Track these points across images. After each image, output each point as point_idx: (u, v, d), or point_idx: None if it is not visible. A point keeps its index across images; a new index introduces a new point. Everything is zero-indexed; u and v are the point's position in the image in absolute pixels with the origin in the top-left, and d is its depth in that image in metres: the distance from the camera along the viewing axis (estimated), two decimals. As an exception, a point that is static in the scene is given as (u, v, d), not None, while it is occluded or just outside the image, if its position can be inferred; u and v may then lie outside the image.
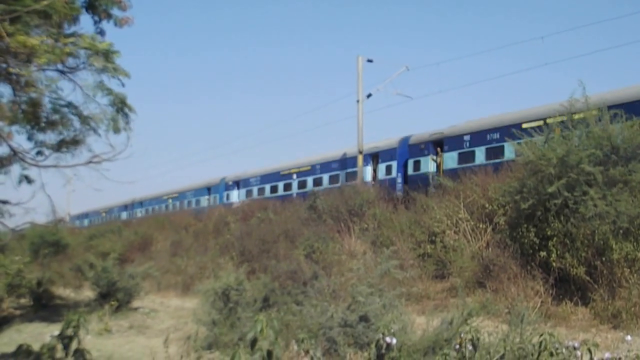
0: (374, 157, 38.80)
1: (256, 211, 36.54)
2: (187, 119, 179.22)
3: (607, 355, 7.02)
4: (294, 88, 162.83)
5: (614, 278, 17.67)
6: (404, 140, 36.96)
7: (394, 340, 7.36)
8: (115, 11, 12.02)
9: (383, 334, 7.36)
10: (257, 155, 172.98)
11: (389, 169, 37.39)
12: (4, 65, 10.31)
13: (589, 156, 18.76)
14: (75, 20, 11.61)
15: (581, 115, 20.44)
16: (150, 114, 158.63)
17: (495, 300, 18.42)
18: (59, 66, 11.66)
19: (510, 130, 24.91)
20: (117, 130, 12.17)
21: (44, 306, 24.83)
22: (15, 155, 12.50)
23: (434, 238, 23.92)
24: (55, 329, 13.49)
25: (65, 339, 6.21)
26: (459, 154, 31.83)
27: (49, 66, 11.09)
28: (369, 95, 39.42)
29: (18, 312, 24.28)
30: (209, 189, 57.12)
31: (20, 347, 6.25)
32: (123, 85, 12.05)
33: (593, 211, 17.93)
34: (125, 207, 75.29)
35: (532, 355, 7.63)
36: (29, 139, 12.68)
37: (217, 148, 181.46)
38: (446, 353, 7.28)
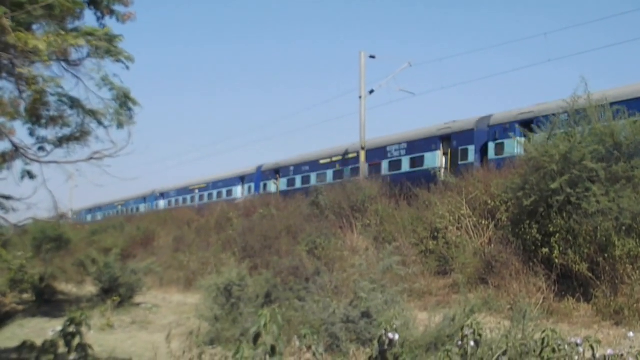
0: (445, 140, 33.81)
1: (259, 207, 36.50)
2: (189, 113, 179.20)
3: (609, 351, 7.00)
4: (297, 84, 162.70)
5: (616, 275, 17.67)
6: (484, 120, 32.65)
7: (397, 336, 7.35)
8: (117, 7, 12.03)
9: (385, 329, 7.35)
10: (260, 151, 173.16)
11: (464, 154, 32.67)
12: (5, 62, 10.32)
13: (591, 152, 18.74)
14: (78, 16, 11.61)
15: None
16: (152, 107, 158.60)
17: (498, 296, 18.43)
18: (63, 64, 11.68)
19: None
20: (121, 124, 12.15)
21: (47, 301, 24.87)
22: (17, 151, 12.52)
23: (436, 234, 23.91)
24: (57, 324, 13.51)
25: (67, 336, 6.21)
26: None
27: (52, 61, 11.08)
28: (372, 92, 39.38)
29: (21, 307, 24.31)
30: (242, 178, 51.92)
31: (24, 343, 6.26)
32: (128, 68, 12.01)
33: (596, 207, 17.91)
34: (144, 199, 70.66)
35: (534, 351, 7.62)
36: (31, 135, 12.69)
37: (218, 144, 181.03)
38: (448, 349, 7.27)
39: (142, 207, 69.90)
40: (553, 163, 19.16)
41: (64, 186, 43.91)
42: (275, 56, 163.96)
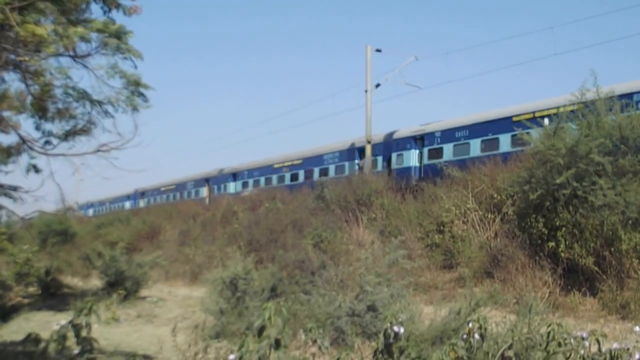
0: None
1: (264, 200, 36.49)
2: (195, 108, 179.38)
3: (615, 345, 6.97)
4: (303, 78, 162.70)
5: (622, 269, 17.65)
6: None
7: (402, 330, 7.34)
8: (124, 0, 12.00)
9: (390, 323, 7.34)
10: (266, 145, 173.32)
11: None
12: (12, 55, 10.32)
13: (598, 146, 18.70)
14: (85, 9, 11.60)
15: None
16: (163, 102, 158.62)
17: (503, 290, 18.40)
18: (70, 53, 11.66)
19: None
20: (135, 108, 12.12)
21: (52, 295, 24.87)
22: (23, 144, 12.52)
23: (442, 228, 23.91)
24: (62, 318, 13.53)
25: (76, 327, 6.21)
26: None
27: (59, 54, 11.07)
28: (378, 85, 39.39)
29: (26, 300, 24.30)
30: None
31: (29, 335, 6.27)
32: (135, 67, 11.99)
33: (602, 201, 17.88)
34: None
35: (540, 345, 7.60)
36: (37, 128, 12.68)
37: (222, 139, 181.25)
38: (454, 343, 7.25)
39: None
40: (559, 156, 19.13)
41: (70, 179, 44.02)
42: (281, 51, 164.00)
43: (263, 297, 16.40)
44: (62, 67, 11.52)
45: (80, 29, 10.61)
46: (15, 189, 13.54)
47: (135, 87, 12.06)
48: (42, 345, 6.21)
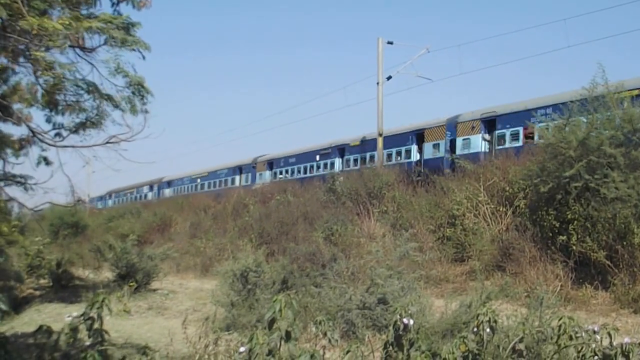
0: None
1: (275, 193, 36.52)
2: (207, 101, 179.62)
3: (627, 339, 6.92)
4: (314, 71, 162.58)
5: (635, 262, 17.57)
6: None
7: (412, 322, 7.32)
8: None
9: (400, 315, 7.32)
10: (277, 137, 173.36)
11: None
12: (21, 47, 10.33)
13: (609, 138, 18.62)
14: (94, 2, 11.59)
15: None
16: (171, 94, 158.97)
17: (515, 283, 18.37)
18: (77, 51, 11.67)
19: None
20: (134, 112, 12.12)
21: (64, 287, 24.91)
22: (34, 136, 12.55)
23: (453, 221, 23.87)
24: (74, 310, 13.55)
25: (88, 320, 6.22)
26: None
27: (67, 47, 11.07)
28: (389, 78, 39.30)
29: (38, 292, 24.39)
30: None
31: (40, 327, 6.28)
32: (144, 58, 11.97)
33: (615, 194, 17.79)
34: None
35: (551, 339, 7.58)
36: (48, 121, 12.69)
37: (233, 131, 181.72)
38: (464, 336, 7.24)
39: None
40: (571, 149, 19.05)
41: (81, 171, 44.17)
42: (293, 44, 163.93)
43: (274, 289, 16.41)
44: (68, 64, 11.52)
45: (87, 22, 10.61)
46: (26, 178, 13.59)
47: (138, 88, 12.05)
48: (54, 337, 6.22)
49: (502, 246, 20.87)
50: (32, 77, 11.84)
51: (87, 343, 6.22)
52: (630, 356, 6.65)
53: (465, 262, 22.05)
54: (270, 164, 52.13)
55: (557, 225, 19.49)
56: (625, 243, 17.86)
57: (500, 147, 31.02)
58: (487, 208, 23.24)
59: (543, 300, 10.63)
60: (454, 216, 23.95)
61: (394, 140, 39.04)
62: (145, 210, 48.57)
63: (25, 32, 9.59)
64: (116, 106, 12.19)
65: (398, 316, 7.35)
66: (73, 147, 12.27)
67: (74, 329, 6.18)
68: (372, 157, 39.91)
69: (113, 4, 11.70)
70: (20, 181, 13.68)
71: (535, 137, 27.17)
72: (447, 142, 35.23)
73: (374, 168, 33.72)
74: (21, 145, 13.26)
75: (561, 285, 17.94)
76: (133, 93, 11.99)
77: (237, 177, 57.23)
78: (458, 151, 33.36)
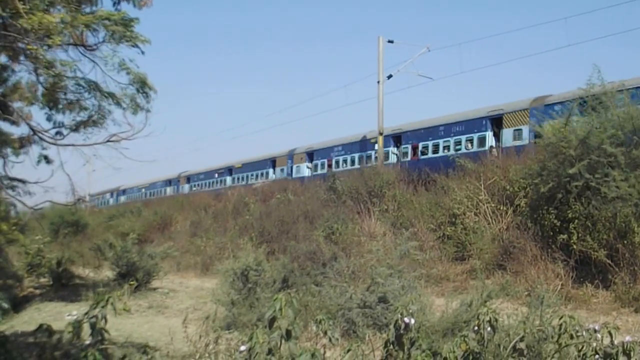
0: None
1: (276, 192, 36.52)
2: (210, 100, 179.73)
3: (627, 338, 6.91)
4: (314, 70, 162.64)
5: (635, 261, 17.56)
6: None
7: (412, 321, 7.31)
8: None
9: (401, 314, 7.31)
10: (277, 137, 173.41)
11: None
12: (22, 45, 10.32)
13: (610, 137, 18.61)
14: (94, 1, 11.58)
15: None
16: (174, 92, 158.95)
17: (515, 282, 18.36)
18: (79, 49, 11.66)
19: None
20: (136, 110, 12.10)
21: (64, 286, 24.92)
22: (34, 135, 12.55)
23: (454, 220, 23.87)
24: (74, 309, 13.58)
25: (92, 319, 6.22)
26: None
27: (68, 45, 11.07)
28: (390, 77, 39.30)
29: (38, 291, 24.39)
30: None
31: (40, 326, 6.27)
32: (143, 53, 11.94)
33: (615, 193, 17.78)
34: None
35: (551, 337, 7.57)
36: (48, 120, 12.68)
37: (235, 129, 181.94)
38: (465, 335, 7.23)
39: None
40: (571, 148, 19.05)
41: (81, 170, 44.12)
42: (293, 42, 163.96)
43: (274, 288, 16.41)
44: (69, 61, 11.51)
45: (85, 17, 10.60)
46: (22, 182, 13.58)
47: (141, 85, 12.02)
48: (55, 336, 6.21)
49: (502, 245, 20.86)
50: (32, 76, 11.85)
51: (88, 342, 6.21)
52: (631, 355, 6.65)
53: (466, 260, 22.04)
54: (311, 155, 48.87)
55: (558, 224, 19.48)
56: (625, 242, 17.85)
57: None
58: (487, 207, 23.24)
59: (544, 299, 10.62)
60: (454, 215, 23.94)
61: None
62: (145, 209, 48.58)
63: (25, 30, 9.58)
64: (118, 104, 12.17)
65: (399, 315, 7.34)
66: (73, 145, 12.28)
67: (77, 328, 6.17)
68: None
69: (114, 3, 11.70)
70: (16, 185, 13.69)
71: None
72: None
73: (375, 167, 33.66)
74: (21, 144, 13.26)
75: (562, 284, 17.93)
76: (137, 90, 11.98)
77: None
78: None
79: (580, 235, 18.69)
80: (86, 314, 6.21)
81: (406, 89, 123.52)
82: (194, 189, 63.69)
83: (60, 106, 12.43)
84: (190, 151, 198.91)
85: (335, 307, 14.23)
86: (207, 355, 9.50)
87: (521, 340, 7.36)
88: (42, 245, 26.42)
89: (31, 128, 12.46)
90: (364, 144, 42.10)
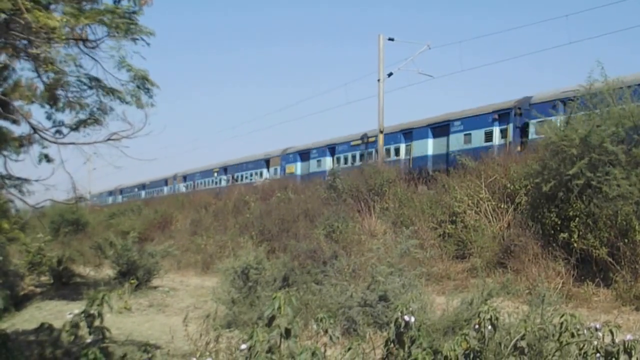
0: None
1: (276, 190, 36.51)
2: (206, 100, 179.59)
3: (629, 336, 6.92)
4: (314, 68, 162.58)
5: (636, 259, 17.54)
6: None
7: (413, 319, 7.31)
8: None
9: (402, 312, 7.32)
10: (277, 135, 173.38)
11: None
12: (23, 43, 10.30)
13: (610, 135, 18.60)
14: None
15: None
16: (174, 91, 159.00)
17: (516, 280, 18.33)
18: (80, 46, 11.63)
19: None
20: (140, 106, 12.06)
21: (64, 284, 24.91)
22: (34, 133, 12.52)
23: (454, 218, 23.86)
24: (75, 307, 13.54)
25: (89, 317, 6.22)
26: None
27: (69, 40, 11.03)
28: (390, 75, 39.25)
29: (38, 289, 24.38)
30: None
31: (41, 324, 6.28)
32: (148, 44, 11.88)
33: (616, 191, 17.77)
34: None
35: (552, 336, 7.57)
36: (48, 118, 12.65)
37: (235, 128, 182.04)
38: (465, 333, 7.23)
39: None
40: (572, 147, 19.03)
41: (82, 168, 44.16)
42: (293, 40, 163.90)
43: (275, 286, 16.38)
44: (71, 55, 11.47)
45: (87, 18, 10.57)
46: (25, 180, 13.55)
47: (142, 81, 11.99)
48: (55, 334, 6.21)
49: (503, 243, 20.86)
50: (32, 73, 11.82)
51: (88, 340, 6.21)
52: (633, 353, 6.65)
53: (467, 259, 22.04)
54: (332, 150, 46.64)
55: (559, 222, 19.47)
56: (627, 240, 17.83)
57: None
58: (488, 205, 23.23)
59: (545, 298, 10.63)
60: (455, 213, 23.94)
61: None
62: (146, 208, 48.61)
63: (27, 28, 9.55)
64: (121, 99, 12.14)
65: (399, 313, 7.35)
66: (74, 144, 12.23)
67: (75, 326, 6.17)
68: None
69: (115, 2, 11.67)
70: (19, 183, 13.66)
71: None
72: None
73: (375, 165, 33.66)
74: (22, 143, 13.24)
75: (563, 283, 17.93)
76: (138, 87, 11.94)
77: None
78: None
79: (581, 233, 18.68)
80: (82, 312, 6.21)
81: (407, 87, 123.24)
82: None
83: (61, 104, 12.40)
84: (189, 151, 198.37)
85: (336, 305, 14.21)
86: (207, 353, 9.49)
87: (522, 338, 7.35)
88: (43, 244, 26.37)
89: (32, 126, 12.43)
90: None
